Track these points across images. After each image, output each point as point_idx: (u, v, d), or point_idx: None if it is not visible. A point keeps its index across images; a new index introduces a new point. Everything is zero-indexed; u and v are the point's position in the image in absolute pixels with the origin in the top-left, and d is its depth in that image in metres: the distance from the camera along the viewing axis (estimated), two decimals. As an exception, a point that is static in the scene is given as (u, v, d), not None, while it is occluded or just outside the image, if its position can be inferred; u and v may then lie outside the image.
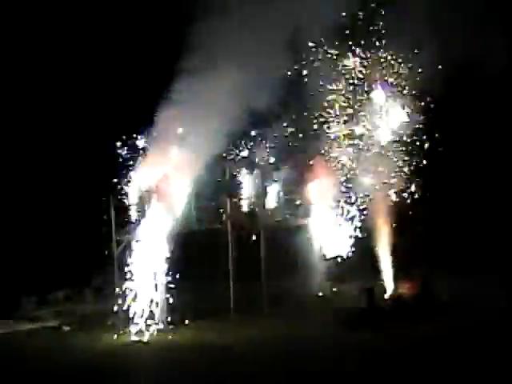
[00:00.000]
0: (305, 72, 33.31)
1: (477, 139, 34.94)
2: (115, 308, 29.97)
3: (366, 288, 30.44)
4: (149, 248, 29.92)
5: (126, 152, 30.99)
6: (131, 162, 30.84)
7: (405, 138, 33.08)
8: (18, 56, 36.24)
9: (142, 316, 29.28)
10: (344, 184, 33.64)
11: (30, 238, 34.77)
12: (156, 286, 29.64)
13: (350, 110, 33.40)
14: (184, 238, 31.00)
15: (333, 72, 33.22)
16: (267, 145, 34.30)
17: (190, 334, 29.38)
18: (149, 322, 29.17)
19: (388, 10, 32.34)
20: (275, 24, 29.94)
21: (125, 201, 30.72)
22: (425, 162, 33.16)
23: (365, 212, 32.86)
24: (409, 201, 32.97)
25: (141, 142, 31.03)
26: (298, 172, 34.49)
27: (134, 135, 31.09)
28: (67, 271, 33.30)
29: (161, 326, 29.40)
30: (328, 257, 34.36)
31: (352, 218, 33.21)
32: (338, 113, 33.37)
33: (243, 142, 33.99)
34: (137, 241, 29.83)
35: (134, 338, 28.89)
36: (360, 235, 33.05)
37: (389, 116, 33.03)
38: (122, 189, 30.72)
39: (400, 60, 32.83)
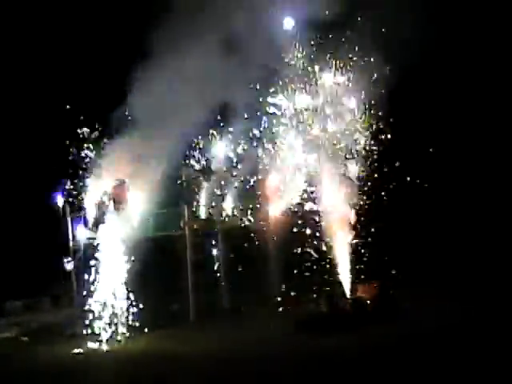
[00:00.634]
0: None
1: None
2: (73, 317, 29.81)
3: (327, 294, 30.65)
4: (107, 255, 29.81)
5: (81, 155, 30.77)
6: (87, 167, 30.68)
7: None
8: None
9: (101, 324, 29.11)
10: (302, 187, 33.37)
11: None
12: (114, 293, 29.49)
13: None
14: (142, 244, 30.83)
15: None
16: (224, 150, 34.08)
17: (148, 341, 29.20)
18: (108, 330, 29.03)
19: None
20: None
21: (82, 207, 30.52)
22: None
23: (323, 215, 32.54)
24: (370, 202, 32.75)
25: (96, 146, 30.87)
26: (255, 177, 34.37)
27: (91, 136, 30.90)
28: (24, 281, 32.93)
29: (120, 334, 29.23)
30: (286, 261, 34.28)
31: (311, 221, 32.97)
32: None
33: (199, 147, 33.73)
34: (95, 248, 29.63)
35: (93, 346, 28.67)
36: (318, 239, 32.81)
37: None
38: (77, 194, 30.53)
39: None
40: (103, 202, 30.47)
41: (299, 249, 32.93)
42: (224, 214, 34.04)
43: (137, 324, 29.77)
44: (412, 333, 26.59)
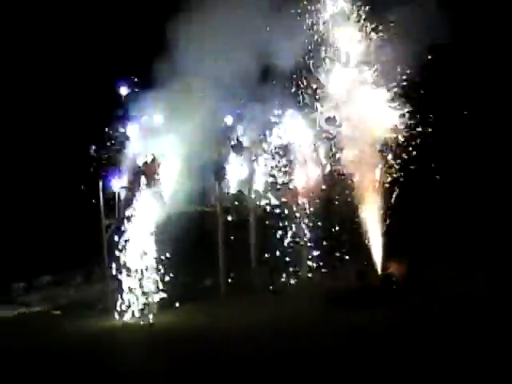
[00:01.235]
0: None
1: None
2: (105, 291, 29.98)
3: (357, 269, 30.77)
4: (138, 230, 29.93)
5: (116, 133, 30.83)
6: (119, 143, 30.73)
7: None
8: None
9: (133, 298, 29.29)
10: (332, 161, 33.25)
11: (17, 223, 34.48)
12: (147, 268, 29.62)
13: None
14: (174, 220, 30.91)
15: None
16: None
17: (180, 316, 29.31)
18: (139, 304, 29.20)
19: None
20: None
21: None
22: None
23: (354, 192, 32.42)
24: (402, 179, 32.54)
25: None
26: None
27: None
28: (56, 256, 33.04)
29: (152, 309, 29.38)
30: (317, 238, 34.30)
31: (341, 198, 32.89)
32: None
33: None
34: (126, 223, 29.75)
35: (125, 320, 28.86)
36: (349, 215, 32.70)
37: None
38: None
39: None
40: (134, 179, 30.64)
41: (331, 223, 33.04)
42: (255, 190, 33.97)
43: (168, 298, 29.84)
44: (440, 309, 26.78)
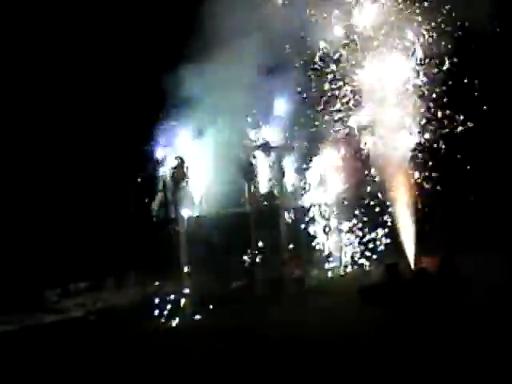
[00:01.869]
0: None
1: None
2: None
3: (390, 264, 30.70)
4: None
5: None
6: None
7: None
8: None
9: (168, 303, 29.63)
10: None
11: (50, 228, 34.49)
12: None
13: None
14: (203, 222, 31.10)
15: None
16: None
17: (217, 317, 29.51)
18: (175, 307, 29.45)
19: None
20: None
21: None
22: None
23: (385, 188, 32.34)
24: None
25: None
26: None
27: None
28: (90, 261, 33.09)
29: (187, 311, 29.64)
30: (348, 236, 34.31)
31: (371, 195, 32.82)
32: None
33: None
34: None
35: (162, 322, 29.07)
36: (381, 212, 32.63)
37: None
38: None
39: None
40: (164, 182, 30.93)
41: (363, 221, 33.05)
42: (284, 190, 33.97)
43: (203, 301, 29.99)
44: (473, 306, 26.43)
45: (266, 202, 33.59)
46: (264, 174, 33.69)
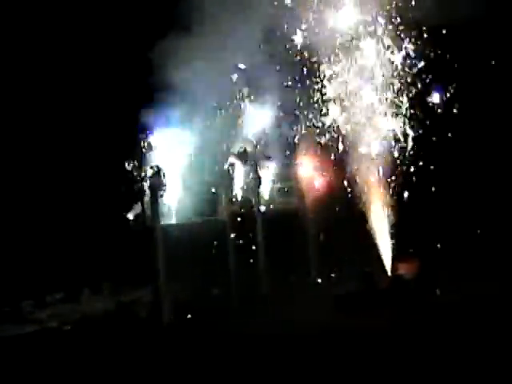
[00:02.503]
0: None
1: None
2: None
3: (366, 271, 30.57)
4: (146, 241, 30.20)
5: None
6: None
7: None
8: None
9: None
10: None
11: (25, 240, 34.25)
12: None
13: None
14: (180, 230, 31.06)
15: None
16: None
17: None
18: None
19: None
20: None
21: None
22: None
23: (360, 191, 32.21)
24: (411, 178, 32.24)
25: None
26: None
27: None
28: (66, 272, 32.92)
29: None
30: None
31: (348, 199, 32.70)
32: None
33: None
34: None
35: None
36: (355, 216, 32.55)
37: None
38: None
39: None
40: (142, 190, 30.83)
41: (339, 226, 32.91)
42: (261, 196, 33.90)
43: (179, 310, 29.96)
44: (450, 314, 26.38)
45: (242, 210, 33.49)
46: (241, 182, 33.63)
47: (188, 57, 30.08)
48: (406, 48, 31.07)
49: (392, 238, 31.45)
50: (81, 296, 33.21)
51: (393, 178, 31.92)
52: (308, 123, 32.80)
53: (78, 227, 32.43)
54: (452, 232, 33.16)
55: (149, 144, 31.20)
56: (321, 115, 32.09)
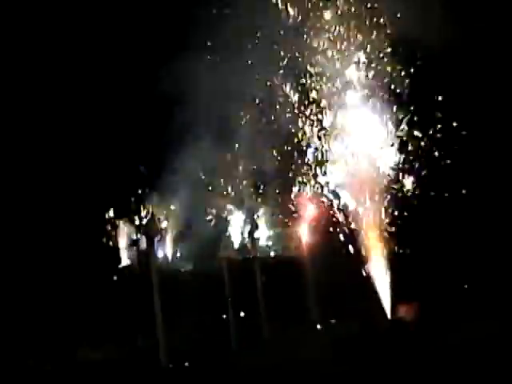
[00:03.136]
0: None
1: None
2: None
3: (365, 315, 30.36)
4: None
5: None
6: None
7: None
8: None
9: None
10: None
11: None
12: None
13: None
14: (177, 277, 30.99)
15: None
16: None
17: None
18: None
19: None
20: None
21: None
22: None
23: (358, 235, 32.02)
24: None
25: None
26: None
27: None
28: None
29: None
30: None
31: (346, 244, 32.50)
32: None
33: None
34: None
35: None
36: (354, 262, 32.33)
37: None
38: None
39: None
40: (137, 239, 30.82)
41: (338, 272, 32.66)
42: (258, 243, 33.75)
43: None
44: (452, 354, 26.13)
45: (240, 256, 33.35)
46: (237, 227, 33.50)
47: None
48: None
49: (391, 282, 31.21)
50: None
51: (392, 220, 31.79)
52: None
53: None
54: (451, 276, 32.92)
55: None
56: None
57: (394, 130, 31.27)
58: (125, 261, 31.29)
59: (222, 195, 32.79)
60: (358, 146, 31.55)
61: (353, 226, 31.88)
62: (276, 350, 30.98)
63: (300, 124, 31.61)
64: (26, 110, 32.44)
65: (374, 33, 30.62)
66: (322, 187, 32.22)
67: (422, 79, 30.72)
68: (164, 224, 30.69)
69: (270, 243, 34.22)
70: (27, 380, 29.62)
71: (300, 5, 30.65)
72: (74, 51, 32.53)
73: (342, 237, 32.34)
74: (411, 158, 31.41)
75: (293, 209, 33.79)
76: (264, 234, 34.06)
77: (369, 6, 30.50)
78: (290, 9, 30.52)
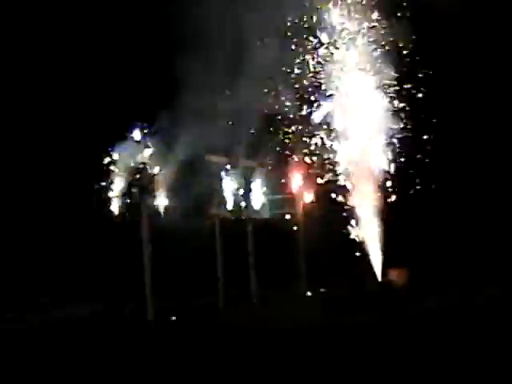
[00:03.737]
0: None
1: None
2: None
3: (356, 275, 30.35)
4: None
5: None
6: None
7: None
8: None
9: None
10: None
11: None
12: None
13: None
14: (168, 234, 30.80)
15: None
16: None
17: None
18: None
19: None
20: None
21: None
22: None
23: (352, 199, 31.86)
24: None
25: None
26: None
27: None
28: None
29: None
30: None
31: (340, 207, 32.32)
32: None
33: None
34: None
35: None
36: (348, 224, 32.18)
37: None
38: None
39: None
40: (131, 192, 30.66)
41: (330, 234, 32.53)
42: (251, 204, 33.59)
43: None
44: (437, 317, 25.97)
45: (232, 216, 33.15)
46: (232, 188, 33.30)
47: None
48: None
49: (382, 247, 31.12)
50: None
51: (384, 187, 31.73)
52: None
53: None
54: (442, 242, 32.85)
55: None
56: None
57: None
58: (116, 210, 30.85)
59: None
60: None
61: (347, 195, 31.88)
62: (263, 308, 30.90)
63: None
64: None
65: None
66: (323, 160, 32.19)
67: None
68: (156, 170, 30.43)
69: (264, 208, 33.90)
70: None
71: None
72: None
73: (335, 205, 32.34)
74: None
75: (289, 175, 33.92)
76: (259, 199, 33.80)
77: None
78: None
